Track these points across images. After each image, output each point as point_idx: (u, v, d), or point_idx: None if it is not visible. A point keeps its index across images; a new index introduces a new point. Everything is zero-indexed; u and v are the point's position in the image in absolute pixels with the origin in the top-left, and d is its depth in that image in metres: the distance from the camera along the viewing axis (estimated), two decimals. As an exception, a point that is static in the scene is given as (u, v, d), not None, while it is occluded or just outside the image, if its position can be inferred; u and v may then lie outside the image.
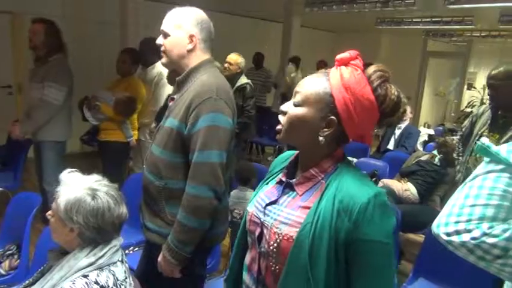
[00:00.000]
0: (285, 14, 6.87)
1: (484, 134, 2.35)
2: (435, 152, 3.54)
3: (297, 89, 0.99)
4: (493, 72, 2.25)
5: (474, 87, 8.17)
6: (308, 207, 0.95)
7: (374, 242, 0.88)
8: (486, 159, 0.87)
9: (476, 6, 4.51)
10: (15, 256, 2.14)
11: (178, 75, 1.58)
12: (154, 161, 1.54)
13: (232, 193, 2.73)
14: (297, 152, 1.08)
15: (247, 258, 1.10)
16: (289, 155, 1.14)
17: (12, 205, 2.28)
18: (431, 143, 4.88)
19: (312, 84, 0.97)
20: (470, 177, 0.89)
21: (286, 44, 7.05)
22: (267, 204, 1.03)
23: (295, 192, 1.00)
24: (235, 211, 2.68)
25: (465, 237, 0.82)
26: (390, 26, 6.35)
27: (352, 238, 0.88)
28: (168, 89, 3.75)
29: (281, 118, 1.00)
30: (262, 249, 1.01)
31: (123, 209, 1.29)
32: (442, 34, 7.68)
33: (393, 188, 3.18)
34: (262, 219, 1.02)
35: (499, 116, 2.29)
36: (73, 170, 1.31)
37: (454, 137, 3.29)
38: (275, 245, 0.96)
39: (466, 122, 2.67)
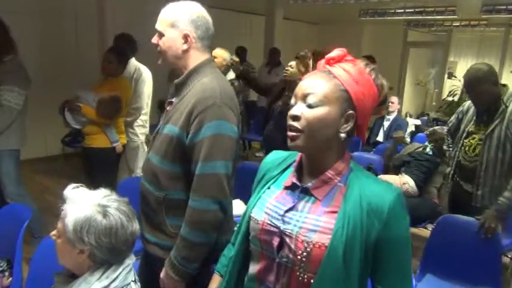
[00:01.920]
0: (268, 6, 6.76)
1: (471, 129, 2.45)
2: (427, 142, 3.56)
3: (308, 91, 0.95)
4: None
5: (455, 76, 8.26)
6: (334, 212, 0.94)
7: (401, 238, 0.93)
8: None
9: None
10: (6, 273, 2.00)
11: (178, 76, 1.48)
12: (153, 170, 1.43)
13: None
14: (299, 154, 1.05)
15: (255, 269, 1.04)
16: (283, 156, 1.12)
17: (0, 217, 2.13)
18: (420, 134, 4.90)
19: (323, 83, 0.95)
20: None
21: (269, 37, 6.95)
22: (286, 211, 0.98)
23: (313, 197, 0.98)
24: None
25: None
26: (374, 17, 6.33)
27: (381, 237, 0.91)
28: (149, 85, 3.65)
29: (294, 123, 0.94)
30: (284, 259, 0.97)
31: (136, 225, 1.19)
32: (422, 24, 7.73)
33: (391, 183, 3.15)
34: (282, 228, 0.97)
35: (482, 111, 2.40)
36: (78, 185, 1.19)
37: (444, 127, 3.33)
38: (304, 254, 0.93)
39: (453, 118, 2.76)
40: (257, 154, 6.17)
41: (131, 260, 1.20)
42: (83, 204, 1.12)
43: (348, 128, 0.95)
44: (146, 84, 3.62)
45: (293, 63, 3.19)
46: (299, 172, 1.03)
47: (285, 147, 3.27)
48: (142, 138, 3.72)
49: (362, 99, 0.96)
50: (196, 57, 1.42)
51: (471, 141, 2.42)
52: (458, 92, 8.09)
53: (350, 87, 0.95)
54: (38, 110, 4.63)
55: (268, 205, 1.02)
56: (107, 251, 1.11)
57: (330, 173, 0.97)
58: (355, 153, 3.90)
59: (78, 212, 1.10)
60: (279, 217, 0.98)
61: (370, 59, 5.56)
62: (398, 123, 4.84)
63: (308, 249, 0.92)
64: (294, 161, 1.07)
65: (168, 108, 1.48)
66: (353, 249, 0.90)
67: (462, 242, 2.23)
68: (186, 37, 1.39)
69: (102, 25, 5.00)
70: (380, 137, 4.90)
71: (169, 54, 1.41)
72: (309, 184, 0.98)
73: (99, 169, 3.14)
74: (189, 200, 1.36)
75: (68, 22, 5.31)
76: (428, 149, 3.40)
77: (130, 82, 3.48)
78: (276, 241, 0.97)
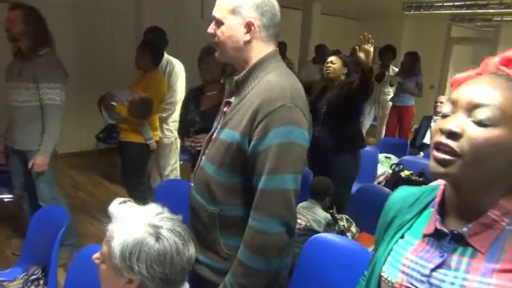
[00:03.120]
0: (305, 0, 6.50)
1: None
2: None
3: (478, 100, 0.67)
4: None
5: (503, 75, 7.78)
6: (509, 271, 0.67)
7: None
8: None
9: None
10: (41, 281, 1.88)
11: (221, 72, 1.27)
12: (207, 181, 1.23)
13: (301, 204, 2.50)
14: (441, 186, 0.79)
15: None
16: (415, 192, 0.85)
17: (36, 220, 2.01)
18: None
19: (501, 92, 0.67)
20: None
21: (306, 32, 6.68)
22: (432, 270, 0.73)
23: (470, 249, 0.71)
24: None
25: None
26: (419, 11, 5.94)
27: None
28: (182, 79, 3.52)
29: (449, 142, 0.68)
30: None
31: (192, 249, 1.00)
32: (469, 19, 7.24)
33: None
34: None
35: None
36: (124, 199, 1.01)
37: None
38: None
39: None
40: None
41: (185, 290, 1.02)
42: (132, 224, 0.93)
43: None
44: (180, 78, 3.50)
45: (333, 58, 2.95)
46: (441, 213, 0.77)
47: (334, 146, 2.93)
48: (176, 134, 3.60)
49: None
50: (259, 49, 1.20)
51: None
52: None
53: None
54: (74, 105, 4.60)
55: (405, 261, 0.78)
56: (160, 281, 0.92)
57: (494, 214, 0.70)
58: (406, 157, 3.63)
59: (127, 234, 0.91)
60: (424, 278, 0.73)
61: (414, 55, 5.27)
62: (448, 125, 4.49)
63: None
64: (433, 199, 0.81)
65: (225, 109, 1.28)
66: None
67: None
68: (249, 25, 1.17)
69: (138, 20, 4.88)
70: (427, 139, 4.57)
71: (229, 46, 1.20)
72: (464, 229, 0.72)
73: (131, 163, 3.14)
74: (249, 218, 1.15)
75: (104, 16, 5.23)
76: None
77: (163, 76, 3.39)
78: None
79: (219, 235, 1.23)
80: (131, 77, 3.41)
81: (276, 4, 1.22)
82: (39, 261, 1.95)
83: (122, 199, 1.01)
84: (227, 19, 1.18)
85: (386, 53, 5.25)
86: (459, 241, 0.72)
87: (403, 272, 0.77)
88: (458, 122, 0.68)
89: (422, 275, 0.74)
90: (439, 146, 0.69)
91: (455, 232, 0.73)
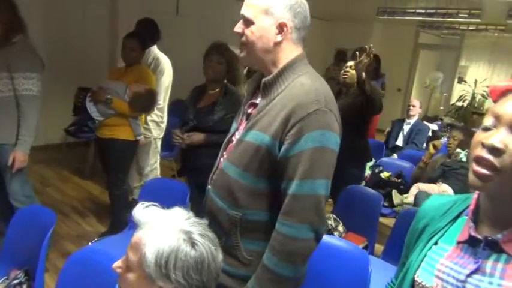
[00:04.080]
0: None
1: None
2: (459, 149, 3.40)
3: None
4: None
5: (465, 81, 8.17)
6: None
7: None
8: None
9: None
10: (24, 286, 1.75)
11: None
12: (229, 184, 1.18)
13: None
14: (474, 195, 0.81)
15: None
16: (449, 201, 0.87)
17: (18, 220, 1.87)
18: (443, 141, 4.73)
19: None
20: None
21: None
22: (467, 276, 0.74)
23: (504, 255, 0.72)
24: None
25: None
26: (392, 16, 6.11)
27: None
28: (167, 76, 3.40)
29: (491, 158, 0.68)
30: None
31: (221, 255, 0.96)
32: (437, 26, 7.55)
33: (431, 192, 2.98)
34: None
35: None
36: (148, 204, 0.95)
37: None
38: None
39: None
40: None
41: (214, 298, 0.97)
42: (164, 230, 0.88)
43: None
44: (164, 75, 3.37)
45: (352, 63, 2.95)
46: (475, 220, 0.78)
47: (344, 157, 2.90)
48: (156, 134, 3.49)
49: None
50: (289, 51, 1.17)
51: None
52: (468, 98, 7.99)
53: None
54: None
55: (440, 266, 0.78)
56: (195, 290, 0.88)
57: None
58: (385, 159, 3.71)
59: (161, 242, 0.86)
60: (459, 283, 0.74)
61: (376, 57, 5.44)
62: (419, 128, 4.65)
63: None
64: (467, 207, 0.82)
65: (250, 110, 1.24)
66: None
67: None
68: (281, 26, 1.14)
69: (113, 11, 4.67)
70: (399, 141, 4.71)
71: (259, 47, 1.16)
72: (498, 236, 0.73)
73: (118, 161, 2.97)
74: (272, 222, 1.13)
75: (76, 4, 4.94)
76: (462, 155, 3.26)
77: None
78: None
79: (239, 240, 1.19)
80: (102, 68, 3.22)
81: (307, 7, 1.19)
82: (20, 264, 1.82)
83: (146, 203, 0.96)
84: (259, 19, 1.14)
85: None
86: (493, 247, 0.73)
87: (438, 277, 0.78)
88: (502, 137, 0.68)
89: (458, 280, 0.74)
90: (479, 160, 0.70)
91: (490, 238, 0.74)
